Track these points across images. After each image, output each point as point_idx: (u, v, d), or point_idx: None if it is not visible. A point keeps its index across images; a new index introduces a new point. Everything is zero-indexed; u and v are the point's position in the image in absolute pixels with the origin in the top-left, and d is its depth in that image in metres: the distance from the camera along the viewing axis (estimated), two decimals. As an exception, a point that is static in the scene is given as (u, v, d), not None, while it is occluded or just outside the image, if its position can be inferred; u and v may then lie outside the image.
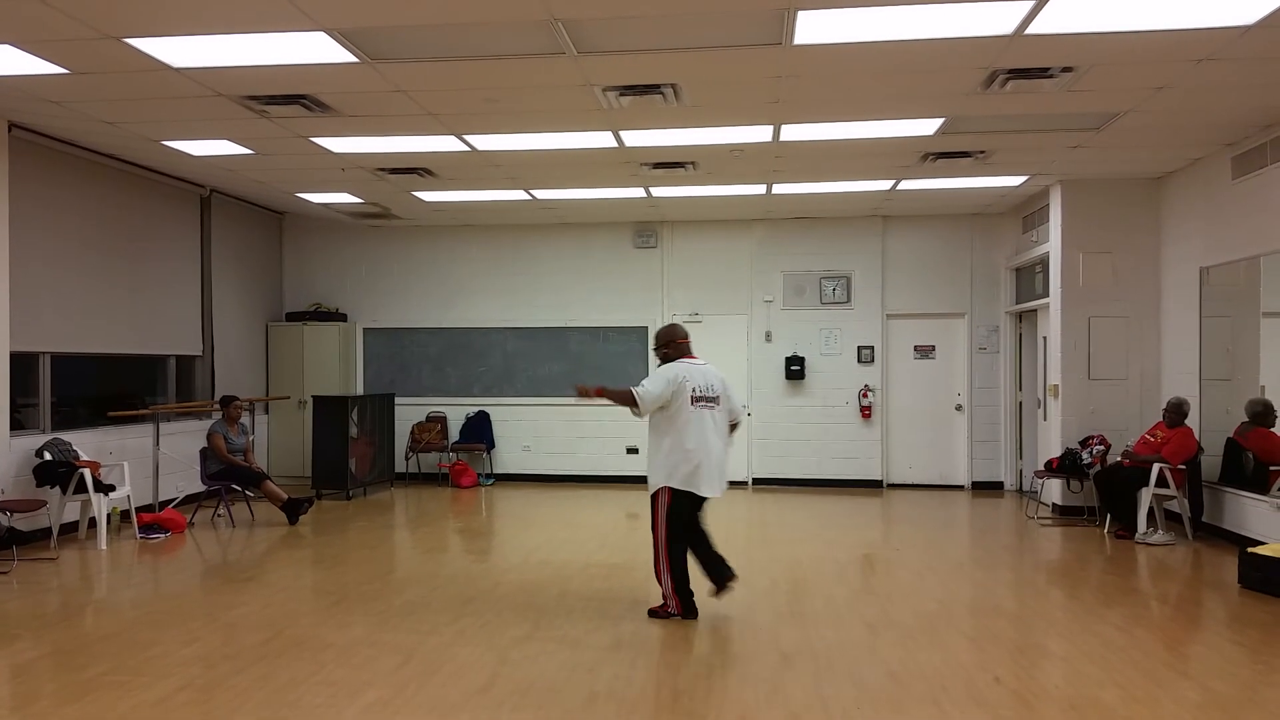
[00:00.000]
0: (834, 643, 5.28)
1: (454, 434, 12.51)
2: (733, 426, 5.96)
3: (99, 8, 5.27)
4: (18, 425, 8.17)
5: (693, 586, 5.79)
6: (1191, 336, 8.94)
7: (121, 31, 5.63)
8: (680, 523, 5.74)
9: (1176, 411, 8.44)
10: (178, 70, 6.31)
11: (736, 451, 11.88)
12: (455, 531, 9.20)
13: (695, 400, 5.69)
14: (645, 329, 12.10)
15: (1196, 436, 8.42)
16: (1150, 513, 8.34)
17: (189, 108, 7.24)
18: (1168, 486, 8.25)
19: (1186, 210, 9.13)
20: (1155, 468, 8.24)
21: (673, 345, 5.94)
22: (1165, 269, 9.55)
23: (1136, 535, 8.30)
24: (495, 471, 12.44)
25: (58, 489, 8.02)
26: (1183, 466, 8.27)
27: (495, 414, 12.49)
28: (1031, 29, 5.56)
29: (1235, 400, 8.29)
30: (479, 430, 12.42)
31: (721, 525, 9.14)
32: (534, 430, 12.44)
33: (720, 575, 5.81)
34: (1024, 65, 6.20)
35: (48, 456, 8.11)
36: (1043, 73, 6.32)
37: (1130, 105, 7.10)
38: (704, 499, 5.76)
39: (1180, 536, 8.33)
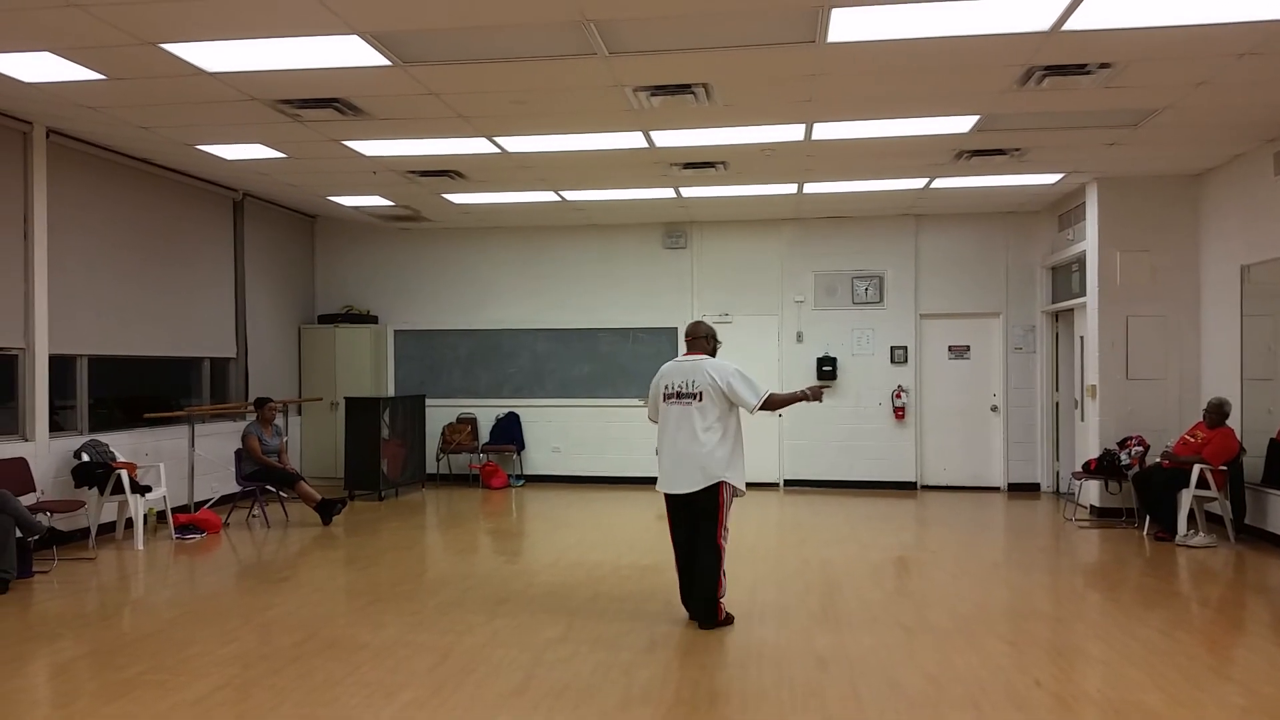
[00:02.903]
0: (870, 645, 5.23)
1: (484, 435, 12.55)
2: (771, 408, 5.71)
3: (136, 14, 5.33)
4: (56, 427, 8.28)
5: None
6: (1232, 336, 8.79)
7: (158, 37, 5.69)
8: (673, 522, 5.79)
9: (1217, 412, 8.30)
10: (212, 75, 6.37)
11: (767, 452, 11.89)
12: (487, 532, 9.22)
13: (667, 398, 5.73)
14: (675, 330, 12.07)
15: (1238, 437, 8.28)
16: (1191, 514, 8.20)
17: (223, 112, 7.31)
18: (1208, 488, 8.12)
19: (1227, 207, 8.98)
20: (1196, 469, 8.11)
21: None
22: (1204, 267, 9.40)
23: (1177, 537, 8.17)
24: (525, 473, 12.46)
25: (95, 490, 8.12)
26: (1224, 467, 8.13)
27: (525, 415, 12.51)
28: (1069, 25, 5.49)
29: (1277, 400, 8.14)
30: (509, 431, 12.45)
31: (753, 527, 9.17)
32: (564, 431, 12.45)
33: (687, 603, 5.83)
34: (1061, 62, 6.12)
35: (86, 458, 8.21)
36: (1080, 69, 6.23)
37: (1169, 101, 6.99)
38: (685, 502, 5.66)
39: (1222, 539, 8.19)
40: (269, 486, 9.50)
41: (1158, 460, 8.78)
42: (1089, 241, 9.89)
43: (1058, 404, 11.42)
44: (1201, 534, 8.13)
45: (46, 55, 6.02)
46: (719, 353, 5.94)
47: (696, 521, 5.68)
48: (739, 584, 6.64)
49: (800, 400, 5.79)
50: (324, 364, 12.42)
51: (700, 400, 5.62)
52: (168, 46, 5.83)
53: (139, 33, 5.61)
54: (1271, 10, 5.30)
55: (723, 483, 5.60)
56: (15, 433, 7.84)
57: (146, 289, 9.45)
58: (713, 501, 5.61)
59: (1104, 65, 6.17)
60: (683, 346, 11.83)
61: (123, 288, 9.11)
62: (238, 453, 9.51)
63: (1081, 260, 10.19)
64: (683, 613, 5.80)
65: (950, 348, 11.88)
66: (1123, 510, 9.33)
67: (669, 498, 5.74)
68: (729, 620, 5.64)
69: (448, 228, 12.61)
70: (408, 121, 7.54)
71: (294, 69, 6.27)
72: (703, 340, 5.88)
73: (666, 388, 5.74)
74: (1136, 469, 9.01)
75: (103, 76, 6.44)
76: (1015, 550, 8.30)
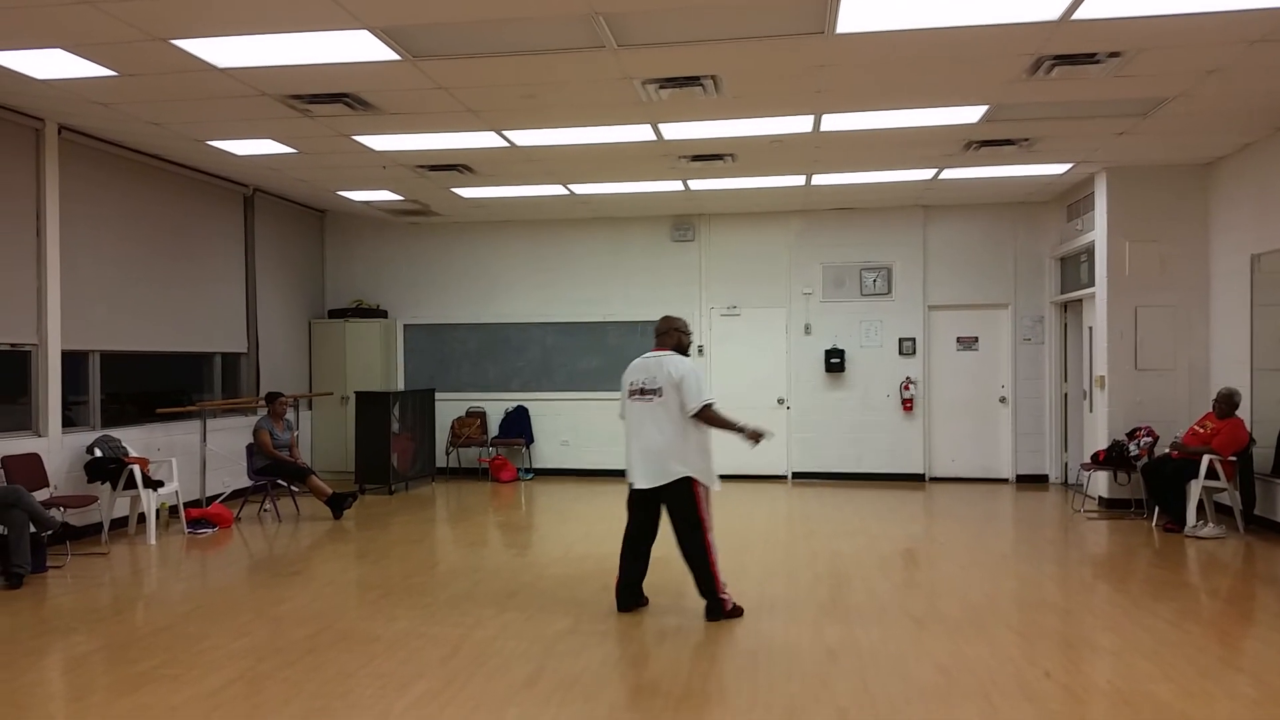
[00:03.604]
0: (879, 637, 5.25)
1: (493, 429, 12.58)
2: (707, 421, 5.59)
3: (148, 10, 5.35)
4: (69, 422, 8.33)
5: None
6: (1242, 325, 8.77)
7: (169, 33, 5.71)
8: (630, 515, 5.82)
9: (1227, 402, 8.28)
10: (223, 70, 6.39)
11: (775, 445, 11.89)
12: (496, 525, 9.26)
13: (631, 394, 5.76)
14: (684, 322, 12.07)
15: (1248, 427, 8.26)
16: (1200, 505, 8.19)
17: (233, 108, 7.33)
18: (1218, 478, 8.11)
19: (1237, 196, 8.94)
20: (1205, 459, 8.09)
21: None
22: (1214, 257, 9.37)
23: (1186, 528, 8.16)
24: (534, 466, 12.49)
25: (108, 485, 8.18)
26: (1233, 458, 8.12)
27: (534, 409, 12.54)
28: (1078, 14, 5.47)
29: (1288, 390, 8.13)
30: (518, 425, 12.48)
31: (762, 518, 9.19)
32: (572, 425, 12.47)
33: (623, 597, 5.85)
34: (1070, 51, 6.10)
35: (98, 453, 8.26)
36: (1089, 58, 6.21)
37: (1180, 90, 6.97)
38: (648, 497, 5.68)
39: (1231, 530, 8.18)
40: (280, 481, 9.56)
41: (1167, 451, 8.76)
42: (1098, 231, 9.86)
43: (1066, 395, 11.40)
44: (1211, 525, 8.12)
45: (58, 52, 6.04)
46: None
47: (656, 518, 5.74)
48: (747, 576, 6.67)
49: (735, 433, 5.66)
50: (334, 358, 12.45)
51: (660, 396, 5.62)
52: (179, 42, 5.85)
53: (150, 28, 5.63)
54: (1282, -1, 5.28)
55: (692, 479, 5.58)
56: (29, 428, 7.90)
57: (158, 284, 9.49)
58: (687, 500, 5.60)
59: (1113, 54, 6.15)
60: (692, 343, 11.87)
61: (134, 283, 9.16)
62: (249, 447, 9.56)
63: (1090, 250, 10.16)
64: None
65: (959, 339, 11.86)
66: (1132, 501, 9.32)
67: (633, 492, 5.77)
68: (738, 612, 5.66)
69: (457, 222, 12.63)
70: (417, 116, 7.56)
71: (304, 64, 6.29)
72: (666, 335, 5.87)
73: (631, 384, 5.77)
74: (1145, 460, 9.00)
75: (114, 73, 6.46)
76: (1024, 541, 8.30)
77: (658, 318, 6.15)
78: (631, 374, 5.81)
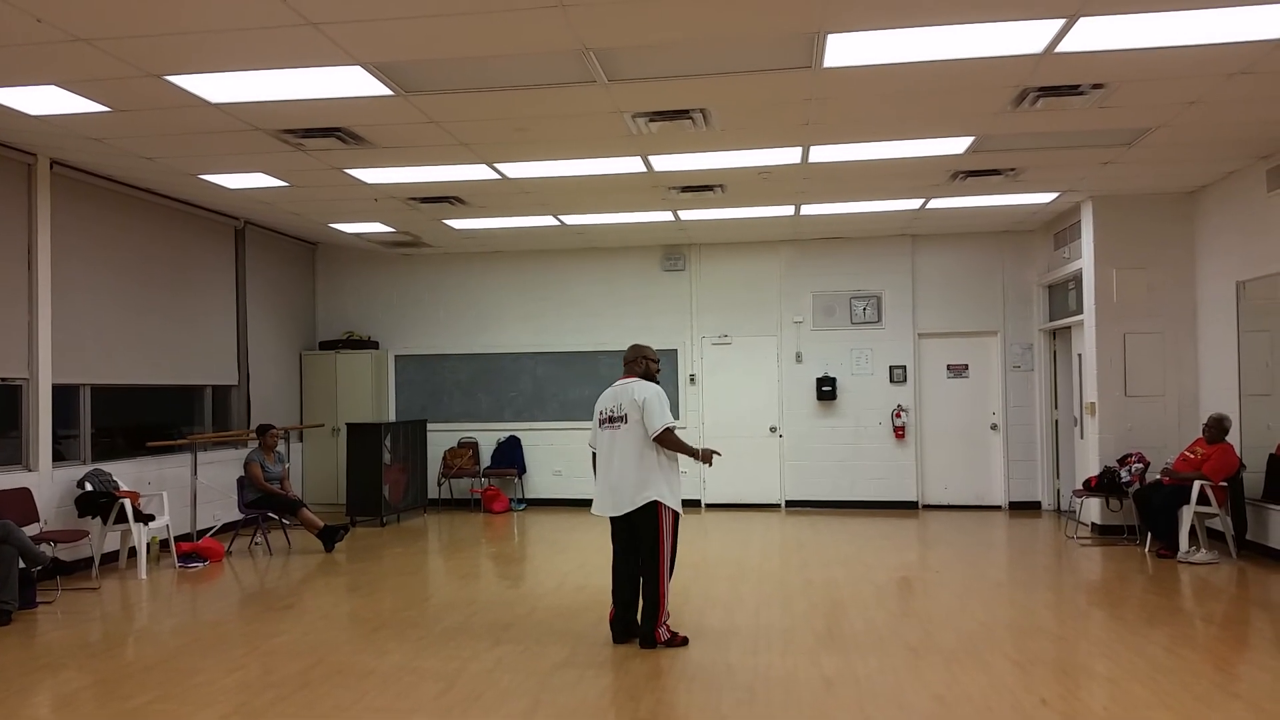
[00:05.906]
0: (876, 667, 5.24)
1: (485, 459, 12.56)
2: (666, 444, 5.64)
3: (142, 47, 5.40)
4: (59, 457, 8.29)
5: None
6: (1230, 351, 8.84)
7: (163, 69, 5.75)
8: (615, 547, 5.84)
9: (1217, 427, 8.33)
10: (216, 106, 6.44)
11: (769, 474, 11.91)
12: (490, 557, 9.21)
13: (601, 423, 5.82)
14: (675, 351, 12.14)
15: (1238, 453, 8.31)
16: (1192, 531, 8.22)
17: (226, 142, 7.37)
18: (1209, 504, 8.14)
19: (1221, 224, 9.05)
20: (1196, 485, 8.13)
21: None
22: (1201, 284, 9.46)
23: (1179, 554, 8.18)
24: (527, 496, 12.46)
25: (99, 519, 8.13)
26: (1224, 483, 8.16)
27: (526, 439, 12.53)
28: (1062, 47, 5.56)
29: (1276, 415, 8.17)
30: (510, 455, 12.46)
31: (756, 547, 9.17)
32: (565, 455, 12.45)
33: (618, 628, 5.84)
34: (1054, 83, 6.20)
35: (89, 487, 8.21)
36: (1073, 90, 6.31)
37: (1162, 120, 7.07)
38: (624, 522, 5.72)
39: (1224, 555, 8.20)
40: (271, 514, 9.51)
41: (1158, 477, 8.80)
42: (1085, 259, 9.95)
43: (1057, 422, 11.45)
44: (1203, 550, 8.14)
45: (52, 89, 6.08)
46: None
47: (637, 544, 5.72)
48: (743, 606, 6.66)
49: (690, 456, 5.82)
50: (325, 390, 12.44)
51: (626, 423, 5.69)
52: (172, 78, 5.90)
53: (144, 65, 5.67)
54: (1259, 31, 5.37)
55: (659, 504, 5.62)
56: (19, 463, 7.86)
57: (149, 318, 9.48)
58: (651, 524, 5.64)
59: (1097, 86, 6.25)
60: (684, 372, 11.90)
61: (125, 317, 9.15)
62: (240, 480, 9.52)
63: (1078, 278, 10.25)
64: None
65: (949, 366, 11.92)
66: (1124, 528, 9.35)
67: (612, 522, 5.79)
68: (679, 642, 5.68)
69: (448, 253, 12.67)
70: (409, 149, 7.61)
71: (297, 99, 6.34)
72: (634, 363, 5.92)
73: (600, 413, 5.83)
74: (1137, 486, 9.03)
75: (107, 108, 6.50)
76: (1018, 569, 8.30)
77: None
78: (601, 403, 5.88)
